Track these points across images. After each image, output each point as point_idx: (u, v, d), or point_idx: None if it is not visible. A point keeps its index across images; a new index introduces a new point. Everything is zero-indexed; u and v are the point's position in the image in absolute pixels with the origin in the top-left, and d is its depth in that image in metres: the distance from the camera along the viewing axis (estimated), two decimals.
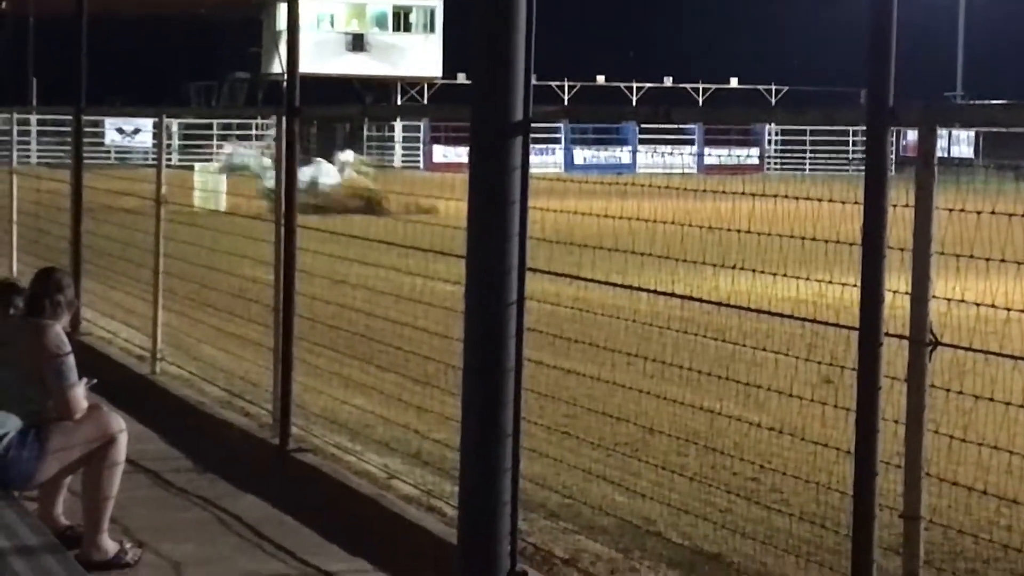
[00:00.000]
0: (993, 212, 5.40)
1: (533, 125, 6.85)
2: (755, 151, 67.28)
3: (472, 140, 6.92)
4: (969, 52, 75.92)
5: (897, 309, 5.45)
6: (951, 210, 5.36)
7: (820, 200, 6.25)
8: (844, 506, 6.02)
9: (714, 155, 64.67)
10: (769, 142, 68.44)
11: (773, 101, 71.40)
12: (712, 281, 9.04)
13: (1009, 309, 5.74)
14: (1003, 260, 5.97)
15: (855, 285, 5.36)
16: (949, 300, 5.90)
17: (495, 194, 6.64)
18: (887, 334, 5.19)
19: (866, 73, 5.02)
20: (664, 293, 7.65)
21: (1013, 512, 7.55)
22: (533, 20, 6.65)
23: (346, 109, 56.86)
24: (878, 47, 5.00)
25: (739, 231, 7.74)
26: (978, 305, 5.70)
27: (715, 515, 7.93)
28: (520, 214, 6.70)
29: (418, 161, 62.65)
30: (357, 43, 67.62)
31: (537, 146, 54.78)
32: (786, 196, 6.68)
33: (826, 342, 7.90)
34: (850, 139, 62.73)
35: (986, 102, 37.78)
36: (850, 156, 61.01)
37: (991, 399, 5.87)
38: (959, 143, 66.76)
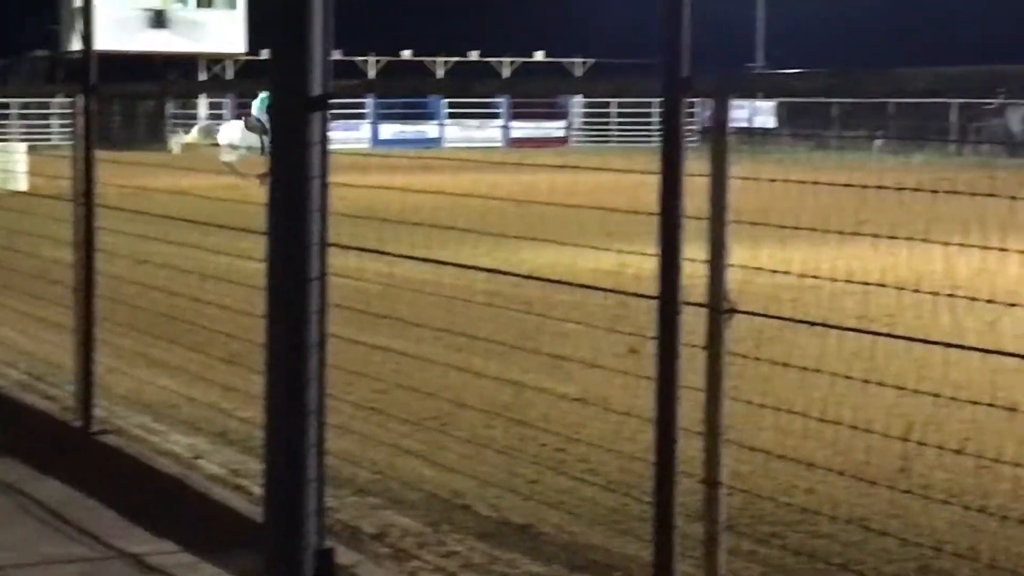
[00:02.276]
0: (787, 180, 5.49)
1: (337, 100, 6.81)
2: (562, 124, 67.65)
3: (272, 116, 6.87)
4: (771, 23, 77.03)
5: (701, 278, 5.52)
6: (745, 179, 5.44)
7: (619, 171, 6.30)
8: (650, 474, 6.09)
9: (521, 129, 64.95)
10: (575, 115, 68.89)
11: (579, 74, 71.80)
12: (518, 254, 9.07)
13: (806, 276, 5.86)
14: (796, 228, 6.07)
15: (655, 255, 5.41)
16: (750, 268, 5.99)
17: (295, 170, 6.59)
18: (685, 303, 5.25)
19: (661, 45, 5.06)
20: (465, 266, 7.68)
21: (814, 475, 7.69)
22: None
23: (146, 86, 55.86)
24: (671, 18, 5.04)
25: (543, 204, 7.76)
26: (773, 272, 5.81)
27: (523, 487, 7.98)
28: (320, 189, 6.66)
29: None
30: (158, 19, 66.57)
31: (343, 122, 54.54)
32: (586, 168, 6.71)
33: (633, 312, 7.99)
34: (654, 111, 63.30)
35: (779, 71, 38.53)
36: (655, 128, 61.63)
37: (785, 364, 5.98)
38: (762, 113, 67.75)
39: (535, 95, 56.67)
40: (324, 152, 6.66)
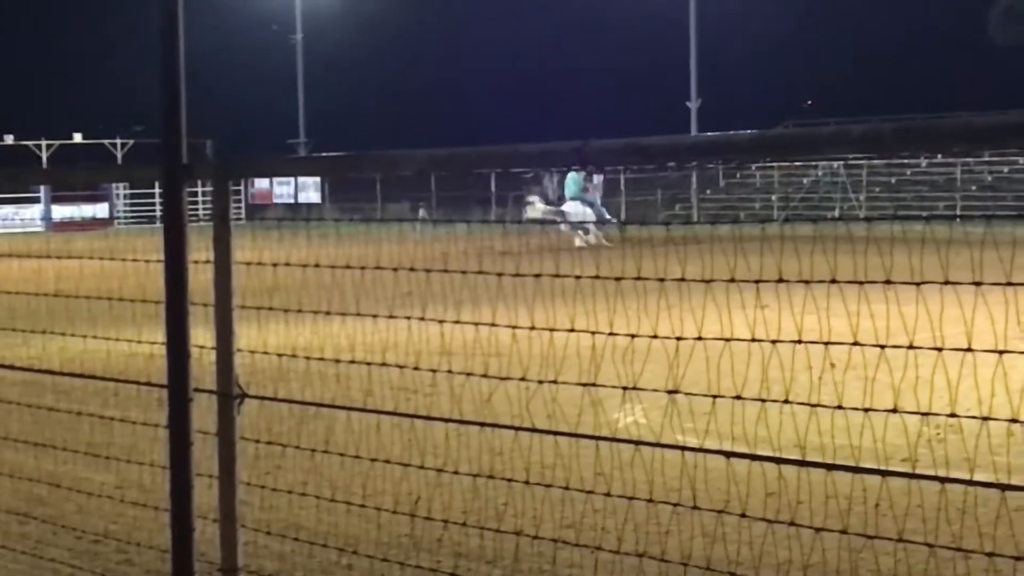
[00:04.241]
0: (289, 264, 5.52)
1: None
2: (105, 206, 66.56)
3: None
4: (315, 102, 77.72)
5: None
6: (248, 264, 5.45)
7: (125, 260, 6.25)
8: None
9: (62, 214, 63.64)
10: (119, 196, 67.92)
11: (119, 155, 70.84)
12: (55, 342, 8.83)
13: (342, 360, 5.88)
14: (306, 311, 6.12)
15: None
16: (265, 347, 5.99)
17: None
18: (196, 389, 5.22)
19: (161, 132, 5.04)
20: None
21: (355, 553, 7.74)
22: None
23: None
24: (170, 108, 5.03)
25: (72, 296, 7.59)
26: (284, 355, 5.83)
27: None
28: None
29: None
30: None
31: None
32: (99, 258, 6.62)
33: None
34: (200, 190, 62.89)
35: (282, 155, 39.45)
36: (200, 208, 61.24)
37: (300, 448, 5.99)
38: (307, 189, 68.08)
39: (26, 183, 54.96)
40: None
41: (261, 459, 7.83)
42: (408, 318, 5.42)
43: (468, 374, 5.31)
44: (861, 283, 4.38)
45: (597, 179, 45.49)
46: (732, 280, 4.67)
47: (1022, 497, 5.72)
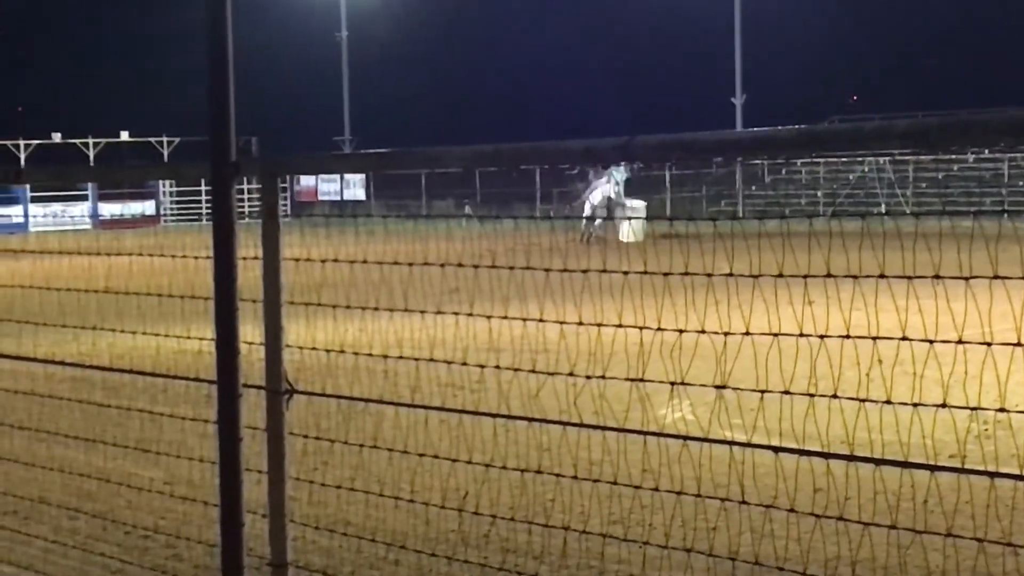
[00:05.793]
0: (337, 260, 5.55)
1: None
2: (151, 204, 66.85)
3: None
4: (360, 100, 77.92)
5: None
6: (296, 260, 5.47)
7: (174, 256, 6.28)
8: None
9: (110, 210, 63.93)
10: (165, 194, 68.17)
11: (166, 153, 71.11)
12: (104, 339, 8.88)
13: (389, 355, 5.90)
14: (346, 306, 6.12)
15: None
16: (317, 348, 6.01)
17: None
18: (245, 385, 5.25)
19: (209, 131, 5.06)
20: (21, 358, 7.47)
21: (402, 548, 7.77)
22: None
23: None
24: (218, 106, 5.05)
25: (122, 293, 7.64)
26: (332, 351, 5.85)
27: None
28: None
29: None
30: None
31: None
32: (143, 255, 6.65)
33: None
34: (246, 187, 63.00)
35: (324, 153, 39.28)
36: (246, 206, 61.28)
37: (348, 444, 6.02)
38: (352, 186, 68.21)
39: (75, 180, 55.30)
40: None
41: (309, 455, 7.89)
42: (455, 314, 5.45)
43: (515, 370, 5.32)
44: (910, 278, 4.37)
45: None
46: (780, 275, 4.68)
47: None
